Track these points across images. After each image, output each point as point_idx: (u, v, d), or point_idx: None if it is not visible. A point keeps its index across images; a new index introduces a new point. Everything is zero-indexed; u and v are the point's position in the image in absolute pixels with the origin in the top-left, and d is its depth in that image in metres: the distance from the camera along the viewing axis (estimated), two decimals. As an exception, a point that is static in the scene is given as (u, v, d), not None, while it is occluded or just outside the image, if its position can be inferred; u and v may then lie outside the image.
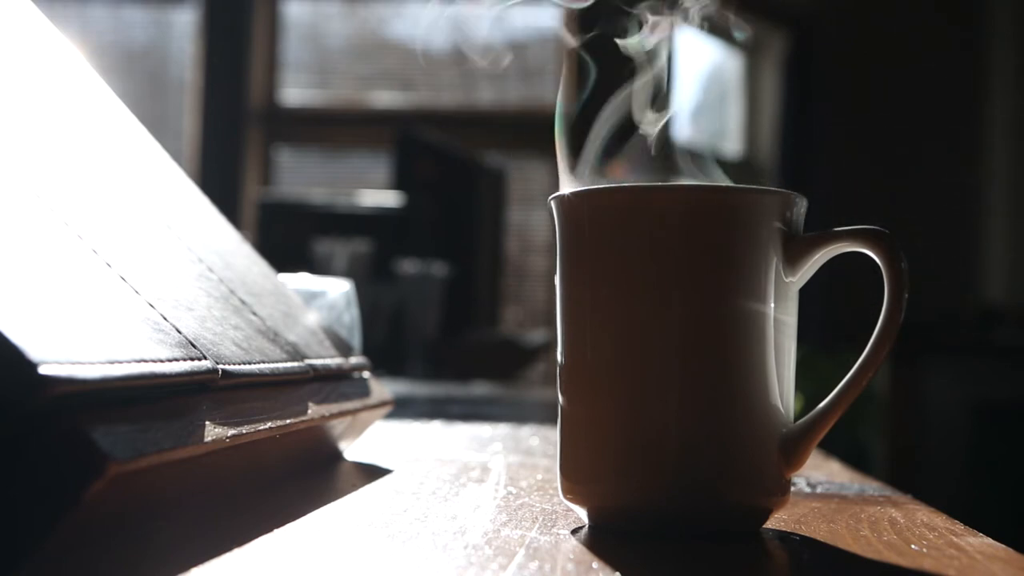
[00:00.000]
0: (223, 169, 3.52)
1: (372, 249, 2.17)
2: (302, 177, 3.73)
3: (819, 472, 0.60)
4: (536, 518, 0.42)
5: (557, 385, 0.43)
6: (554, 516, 0.43)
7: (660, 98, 0.43)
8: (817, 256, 0.41)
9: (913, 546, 0.39)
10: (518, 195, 3.38)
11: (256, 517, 0.41)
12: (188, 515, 0.39)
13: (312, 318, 0.63)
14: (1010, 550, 0.38)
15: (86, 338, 0.33)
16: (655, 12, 0.43)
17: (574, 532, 0.40)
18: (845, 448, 2.57)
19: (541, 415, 1.01)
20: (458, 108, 3.63)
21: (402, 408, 0.92)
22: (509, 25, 3.68)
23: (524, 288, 3.58)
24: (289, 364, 0.50)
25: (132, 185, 0.53)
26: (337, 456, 0.61)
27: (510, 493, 0.49)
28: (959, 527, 0.43)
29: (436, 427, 0.81)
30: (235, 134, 3.57)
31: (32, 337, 0.30)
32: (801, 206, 0.42)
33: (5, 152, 0.41)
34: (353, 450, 0.63)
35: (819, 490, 0.53)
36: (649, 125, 0.44)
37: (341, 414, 0.55)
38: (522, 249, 3.57)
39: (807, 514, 0.45)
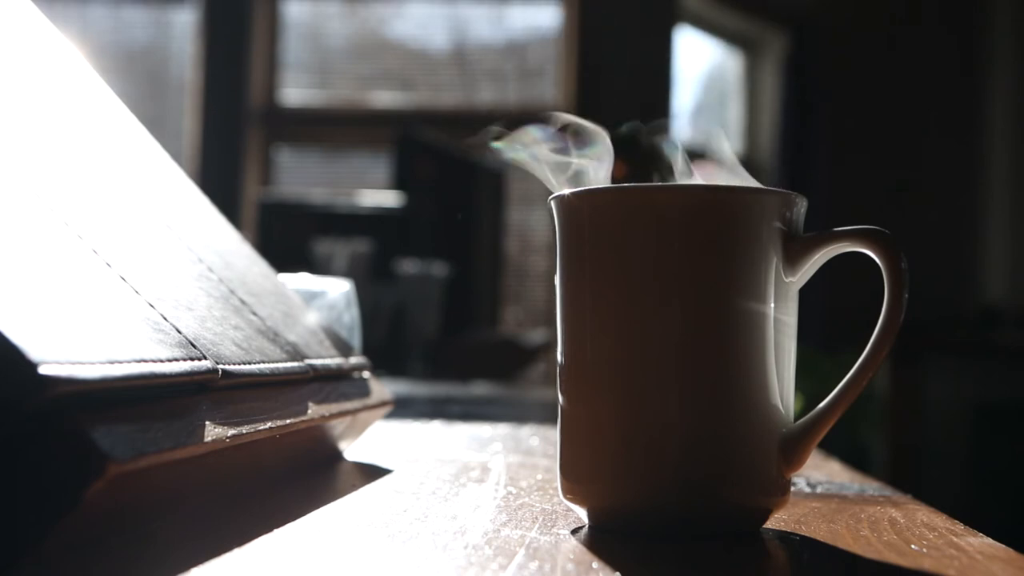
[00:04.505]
0: (223, 169, 3.52)
1: (372, 249, 2.17)
2: (302, 177, 3.73)
3: (819, 472, 0.60)
4: (536, 518, 0.42)
5: (557, 385, 0.43)
6: (554, 516, 0.43)
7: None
8: (817, 256, 0.41)
9: (913, 546, 0.39)
10: (518, 195, 3.38)
11: (256, 517, 0.41)
12: (188, 515, 0.39)
13: (312, 318, 0.63)
14: (1010, 550, 0.38)
15: (86, 338, 0.33)
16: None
17: (574, 532, 0.40)
18: (845, 448, 2.57)
19: (541, 415, 1.01)
20: (458, 108, 3.63)
21: (402, 408, 0.92)
22: (509, 25, 3.68)
23: (524, 288, 3.58)
24: (289, 364, 0.50)
25: (132, 185, 0.53)
26: (337, 456, 0.61)
27: (510, 493, 0.49)
28: (959, 527, 0.43)
29: (436, 427, 0.81)
30: (235, 134, 3.57)
31: (32, 337, 0.30)
32: (801, 206, 0.42)
33: (5, 152, 0.41)
34: (353, 450, 0.63)
35: (819, 490, 0.53)
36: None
37: (341, 414, 0.55)
38: (522, 249, 3.57)
39: (807, 514, 0.45)
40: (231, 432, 0.39)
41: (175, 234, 0.52)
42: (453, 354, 2.23)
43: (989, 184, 3.60)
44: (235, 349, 0.44)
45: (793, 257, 0.41)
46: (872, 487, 0.55)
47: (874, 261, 0.41)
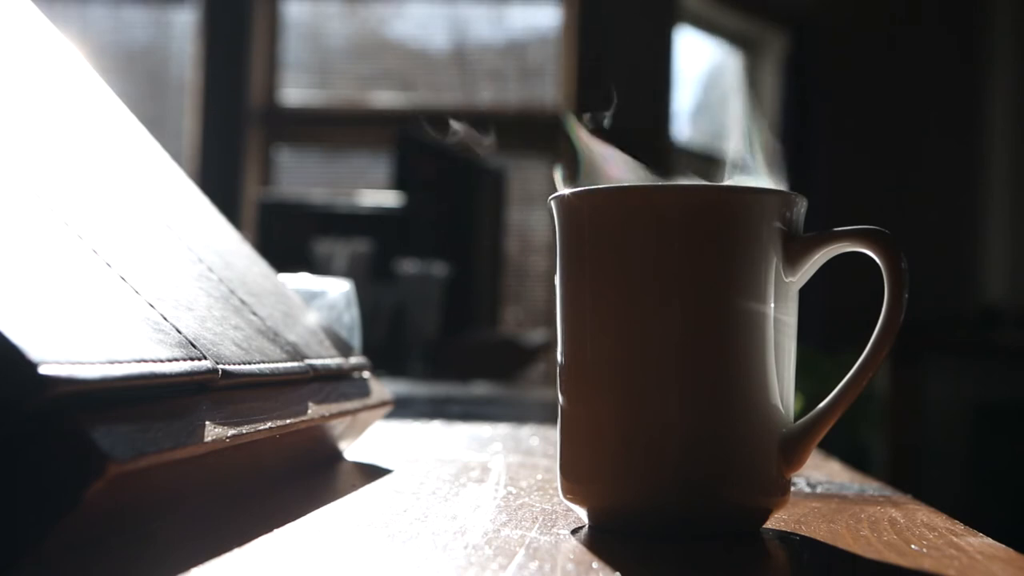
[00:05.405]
0: (223, 169, 3.52)
1: (372, 249, 2.17)
2: (302, 177, 3.73)
3: (819, 472, 0.60)
4: (536, 518, 0.42)
5: (557, 385, 0.43)
6: (554, 516, 0.43)
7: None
8: (817, 256, 0.41)
9: (913, 546, 0.39)
10: (518, 195, 3.38)
11: (256, 517, 0.41)
12: (188, 515, 0.39)
13: (312, 318, 0.63)
14: (1010, 550, 0.38)
15: (86, 338, 0.33)
16: None
17: (574, 532, 0.40)
18: (845, 448, 2.57)
19: (541, 415, 1.01)
20: (458, 108, 3.63)
21: (402, 408, 0.92)
22: (509, 25, 3.68)
23: (524, 288, 3.58)
24: (289, 364, 0.50)
25: (132, 185, 0.53)
26: (337, 456, 0.61)
27: (510, 493, 0.49)
28: (959, 527, 0.43)
29: (436, 427, 0.81)
30: (235, 134, 3.57)
31: (32, 337, 0.30)
32: (801, 206, 0.42)
33: (5, 152, 0.41)
34: (353, 450, 0.63)
35: (819, 490, 0.53)
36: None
37: (341, 414, 0.55)
38: (522, 249, 3.57)
39: (807, 514, 0.45)
40: (231, 432, 0.39)
41: (175, 234, 0.52)
42: (453, 354, 2.23)
43: (989, 184, 3.60)
44: (235, 349, 0.44)
45: (793, 257, 0.41)
46: (872, 487, 0.55)
47: (874, 261, 0.41)
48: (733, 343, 0.40)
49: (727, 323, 0.40)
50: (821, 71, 3.61)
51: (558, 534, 0.39)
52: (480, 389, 1.55)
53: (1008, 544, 0.39)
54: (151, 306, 0.40)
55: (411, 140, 2.60)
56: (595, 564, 0.35)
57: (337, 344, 0.62)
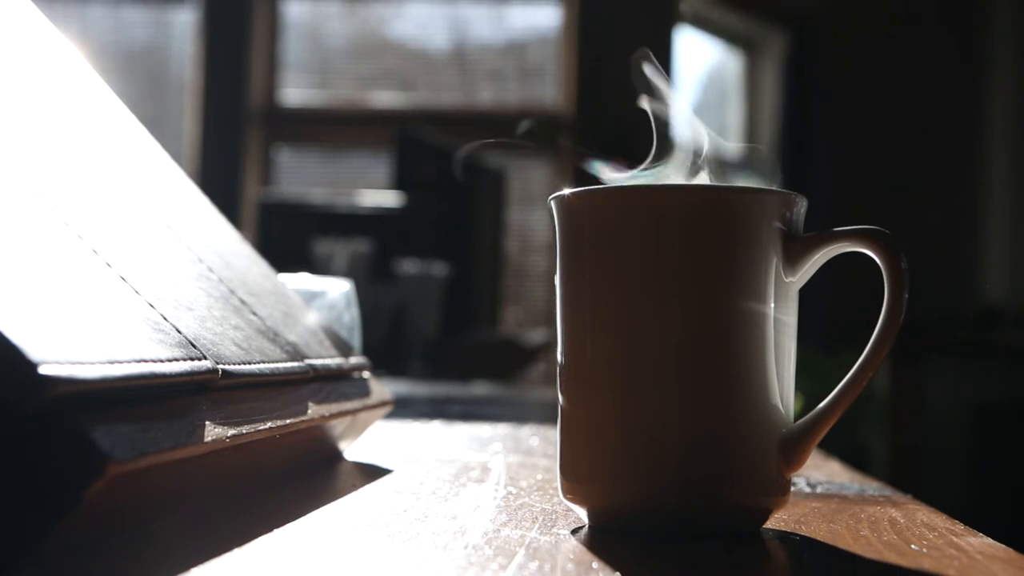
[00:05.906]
0: (223, 169, 3.52)
1: (372, 249, 2.17)
2: (302, 177, 3.73)
3: (819, 472, 0.60)
4: (536, 518, 0.42)
5: (557, 385, 0.43)
6: (554, 516, 0.43)
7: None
8: (817, 256, 0.41)
9: (913, 546, 0.39)
10: (518, 195, 3.38)
11: (256, 517, 0.41)
12: (188, 515, 0.39)
13: (312, 318, 0.63)
14: (1010, 550, 0.38)
15: (86, 338, 0.33)
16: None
17: (574, 532, 0.40)
18: (845, 448, 2.57)
19: (541, 415, 1.01)
20: (458, 108, 3.63)
21: (402, 408, 0.92)
22: (509, 25, 3.68)
23: (524, 288, 3.58)
24: (289, 364, 0.50)
25: (132, 185, 0.53)
26: (337, 456, 0.61)
27: (510, 493, 0.49)
28: (959, 527, 0.43)
29: (436, 427, 0.81)
30: (235, 134, 3.57)
31: (32, 337, 0.30)
32: (801, 206, 0.42)
33: (5, 152, 0.41)
34: (353, 450, 0.63)
35: (819, 490, 0.53)
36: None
37: (341, 414, 0.55)
38: (522, 249, 3.57)
39: (807, 514, 0.45)
40: (231, 432, 0.39)
41: (175, 234, 0.52)
42: (453, 354, 2.23)
43: (989, 184, 3.60)
44: (235, 349, 0.44)
45: (793, 257, 0.41)
46: (872, 487, 0.55)
47: (874, 261, 0.41)
48: (733, 343, 0.40)
49: (727, 323, 0.40)
50: (821, 71, 3.60)
51: (558, 534, 0.39)
52: (480, 389, 1.55)
53: (1008, 544, 0.39)
54: (151, 306, 0.40)
55: (411, 140, 2.60)
56: (595, 564, 0.35)
57: (337, 344, 0.62)
